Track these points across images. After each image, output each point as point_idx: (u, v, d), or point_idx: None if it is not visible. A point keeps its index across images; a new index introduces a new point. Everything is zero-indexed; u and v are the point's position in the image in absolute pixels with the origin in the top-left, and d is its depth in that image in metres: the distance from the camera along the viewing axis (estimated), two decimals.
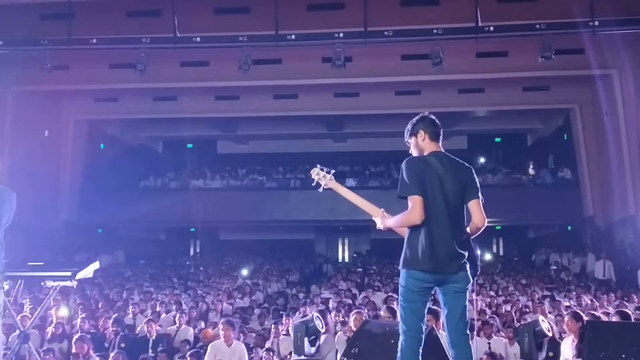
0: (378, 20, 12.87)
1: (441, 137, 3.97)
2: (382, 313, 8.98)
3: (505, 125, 22.95)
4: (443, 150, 3.93)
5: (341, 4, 14.95)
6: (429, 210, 3.69)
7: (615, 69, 15.79)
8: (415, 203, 3.68)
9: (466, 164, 3.94)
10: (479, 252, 3.92)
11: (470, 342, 3.84)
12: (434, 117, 3.99)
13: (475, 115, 21.66)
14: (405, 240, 3.80)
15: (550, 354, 6.84)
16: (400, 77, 16.60)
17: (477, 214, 3.79)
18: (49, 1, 14.38)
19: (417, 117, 4.02)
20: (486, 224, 3.82)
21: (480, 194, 3.84)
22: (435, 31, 12.13)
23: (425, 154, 3.90)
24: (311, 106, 19.49)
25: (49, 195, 18.93)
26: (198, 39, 12.62)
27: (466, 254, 3.75)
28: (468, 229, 3.84)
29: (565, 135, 20.88)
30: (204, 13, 14.83)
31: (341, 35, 12.26)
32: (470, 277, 3.77)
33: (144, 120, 21.57)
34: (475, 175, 3.91)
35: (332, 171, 4.37)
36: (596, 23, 11.47)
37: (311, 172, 4.39)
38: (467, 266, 3.76)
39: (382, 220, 4.03)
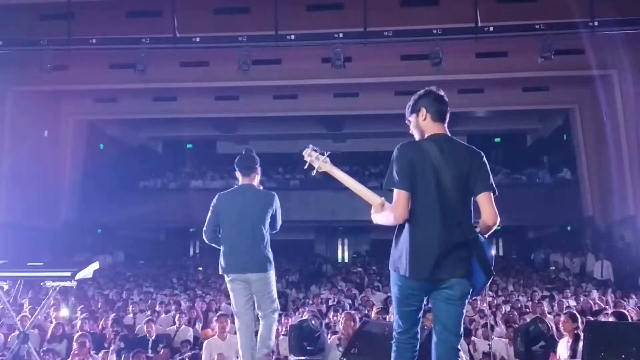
0: (378, 21, 12.86)
1: (447, 117, 3.38)
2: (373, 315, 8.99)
3: (504, 126, 22.98)
4: (448, 133, 3.35)
5: (341, 4, 14.98)
6: (417, 207, 3.16)
7: (614, 69, 15.79)
8: (399, 199, 3.17)
9: (475, 149, 3.33)
10: (493, 252, 3.29)
11: (459, 357, 3.30)
12: (441, 93, 3.39)
13: (475, 116, 21.65)
14: (393, 238, 3.31)
15: (549, 354, 6.83)
16: (400, 77, 16.57)
17: (486, 210, 3.23)
18: (48, 1, 14.40)
19: (420, 92, 3.41)
20: (498, 222, 3.25)
21: (491, 185, 3.30)
22: (435, 31, 12.13)
23: (425, 136, 3.34)
24: (311, 106, 19.50)
25: (49, 195, 18.93)
26: (198, 39, 12.61)
27: (466, 256, 3.17)
28: (477, 228, 3.24)
29: (564, 135, 20.89)
30: (204, 13, 14.85)
31: (341, 35, 12.25)
32: (468, 284, 3.20)
33: (143, 120, 21.57)
34: (486, 161, 3.31)
35: (328, 152, 3.73)
36: (596, 23, 11.47)
37: (303, 153, 3.76)
38: (466, 271, 3.17)
39: (376, 212, 3.42)
